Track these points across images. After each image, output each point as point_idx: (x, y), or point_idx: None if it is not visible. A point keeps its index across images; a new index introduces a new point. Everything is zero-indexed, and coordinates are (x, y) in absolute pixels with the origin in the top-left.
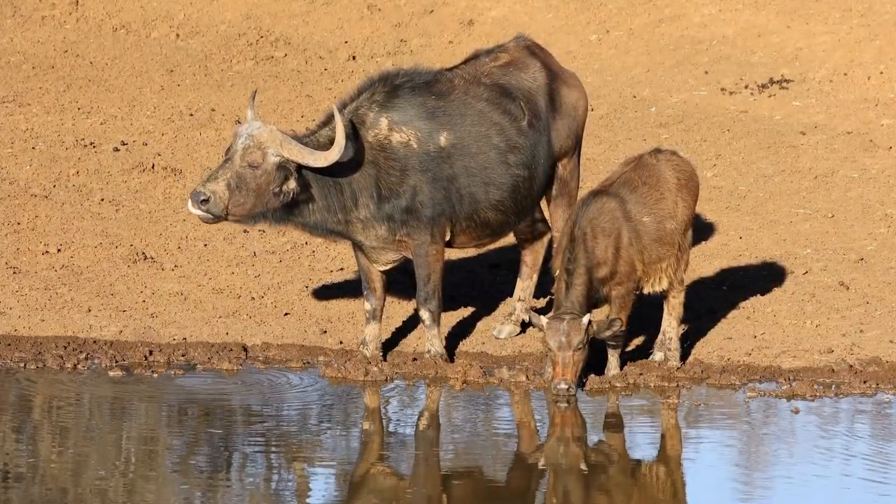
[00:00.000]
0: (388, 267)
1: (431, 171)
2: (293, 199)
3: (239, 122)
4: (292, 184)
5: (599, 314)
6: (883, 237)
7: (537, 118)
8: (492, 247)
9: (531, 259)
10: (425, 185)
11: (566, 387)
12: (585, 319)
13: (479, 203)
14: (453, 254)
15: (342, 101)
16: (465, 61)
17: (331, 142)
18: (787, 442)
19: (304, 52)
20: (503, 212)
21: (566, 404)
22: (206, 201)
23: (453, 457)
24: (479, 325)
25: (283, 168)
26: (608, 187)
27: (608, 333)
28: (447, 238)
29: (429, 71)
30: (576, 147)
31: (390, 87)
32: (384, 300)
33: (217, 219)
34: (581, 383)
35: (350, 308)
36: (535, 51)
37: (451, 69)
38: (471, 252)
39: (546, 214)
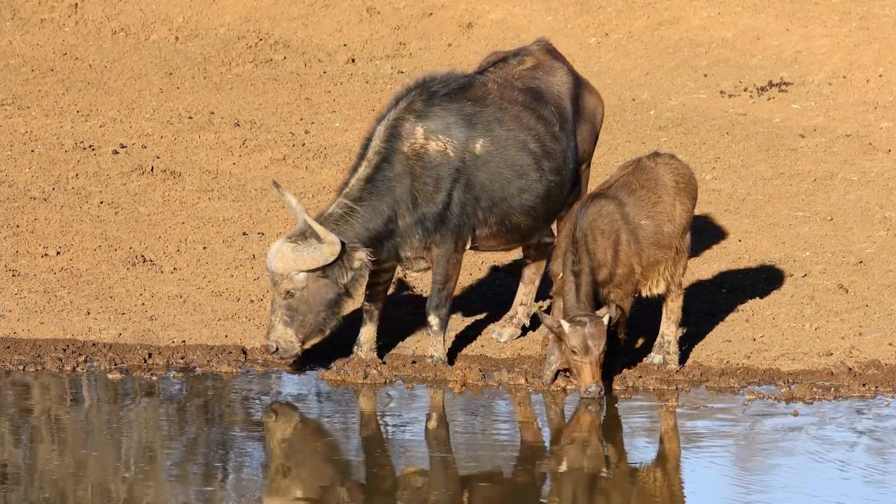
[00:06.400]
0: (417, 273)
1: (465, 180)
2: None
3: None
4: (361, 255)
5: None
6: (882, 240)
7: (566, 123)
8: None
9: (535, 265)
10: (457, 194)
11: (598, 389)
12: (605, 319)
13: (511, 208)
14: None
15: (381, 113)
16: (490, 64)
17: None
18: (786, 445)
19: (303, 54)
20: (534, 217)
21: (597, 407)
22: (277, 351)
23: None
24: (479, 327)
25: (325, 267)
26: (606, 190)
27: (613, 318)
28: (471, 244)
29: (463, 75)
30: (593, 152)
31: (427, 95)
32: (384, 303)
33: (299, 351)
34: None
35: (348, 310)
36: (556, 55)
37: (480, 72)
38: (470, 254)
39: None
